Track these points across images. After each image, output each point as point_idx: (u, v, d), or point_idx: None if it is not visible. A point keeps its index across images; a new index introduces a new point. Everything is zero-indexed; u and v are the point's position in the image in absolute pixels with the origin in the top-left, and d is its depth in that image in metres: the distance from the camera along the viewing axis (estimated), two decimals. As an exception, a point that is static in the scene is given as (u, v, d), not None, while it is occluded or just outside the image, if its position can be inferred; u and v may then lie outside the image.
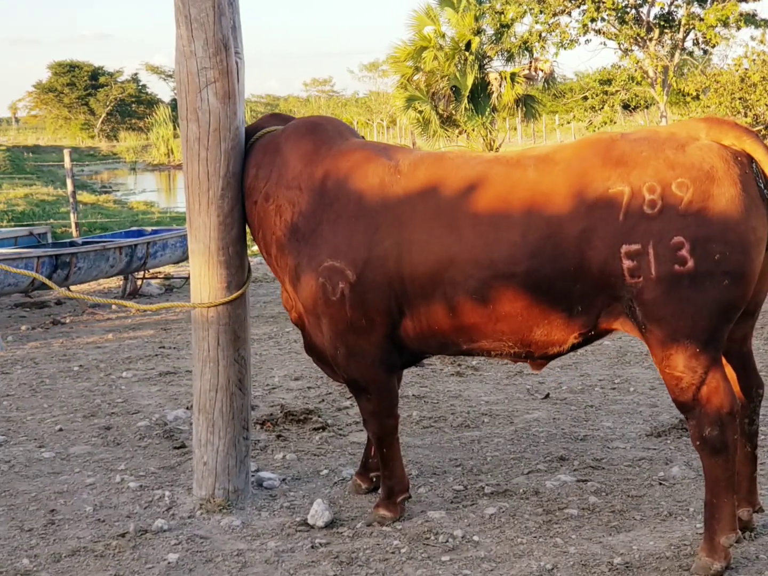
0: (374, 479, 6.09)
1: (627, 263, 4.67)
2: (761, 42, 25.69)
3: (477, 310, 5.04)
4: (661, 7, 31.78)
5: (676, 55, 32.60)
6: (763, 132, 22.09)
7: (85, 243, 14.46)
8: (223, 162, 5.78)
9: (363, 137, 6.12)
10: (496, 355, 5.28)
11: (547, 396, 8.25)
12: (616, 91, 36.01)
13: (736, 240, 4.58)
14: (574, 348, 5.18)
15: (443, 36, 35.52)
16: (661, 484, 6.11)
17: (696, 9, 31.27)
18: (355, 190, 5.40)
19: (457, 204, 5.08)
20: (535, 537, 5.36)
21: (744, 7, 29.45)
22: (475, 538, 5.36)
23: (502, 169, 5.06)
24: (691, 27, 31.17)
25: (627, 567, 4.92)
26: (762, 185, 4.66)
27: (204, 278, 5.87)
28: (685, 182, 4.60)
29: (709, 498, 4.87)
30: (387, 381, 5.59)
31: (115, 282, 15.76)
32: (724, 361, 4.95)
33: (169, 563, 5.14)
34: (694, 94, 34.20)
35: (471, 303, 5.03)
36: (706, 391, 4.74)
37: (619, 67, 34.94)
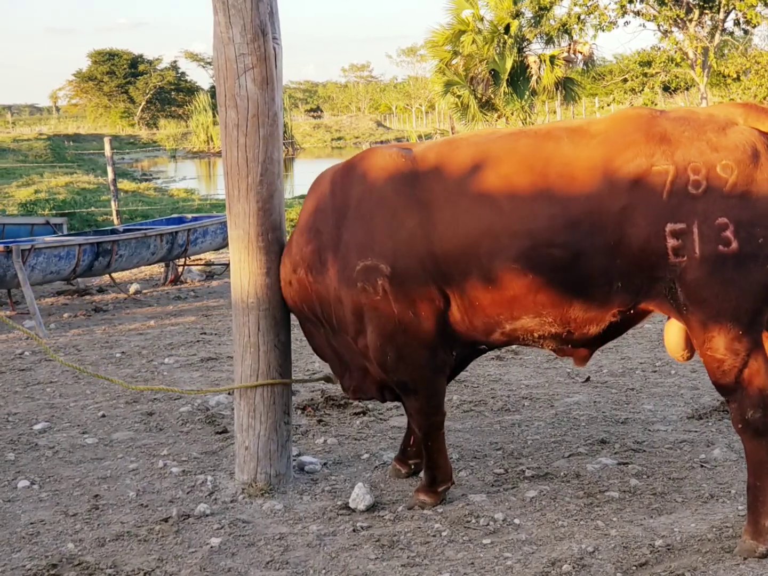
0: (413, 465, 6.10)
1: (671, 242, 4.65)
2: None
3: (515, 281, 4.98)
4: (701, -13, 31.53)
5: (717, 35, 32.31)
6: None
7: (126, 230, 14.54)
8: (262, 148, 5.80)
9: None
10: (540, 336, 5.22)
11: (588, 379, 8.24)
12: (656, 73, 35.77)
13: None
14: (610, 331, 5.14)
15: (482, 19, 35.36)
16: (702, 466, 6.09)
17: (736, -12, 30.95)
18: (363, 186, 5.40)
19: (483, 176, 5.04)
20: (576, 520, 5.36)
21: (786, -14, 29.13)
22: (516, 521, 5.37)
23: (532, 141, 5.03)
24: (731, 7, 30.86)
25: (668, 549, 4.91)
26: None
27: (244, 264, 5.90)
28: (730, 165, 4.60)
29: (753, 481, 4.85)
30: (436, 381, 5.56)
31: (157, 269, 15.85)
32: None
33: (211, 547, 5.18)
34: (735, 75, 33.90)
35: (509, 274, 4.97)
36: (748, 373, 4.73)
37: (659, 48, 34.71)
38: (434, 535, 5.24)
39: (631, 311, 4.98)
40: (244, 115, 5.76)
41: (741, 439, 4.91)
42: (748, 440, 4.83)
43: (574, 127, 5.04)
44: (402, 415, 7.34)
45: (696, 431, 6.76)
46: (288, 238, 5.97)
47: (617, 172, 4.75)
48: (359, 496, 5.63)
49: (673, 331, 5.05)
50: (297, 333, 9.88)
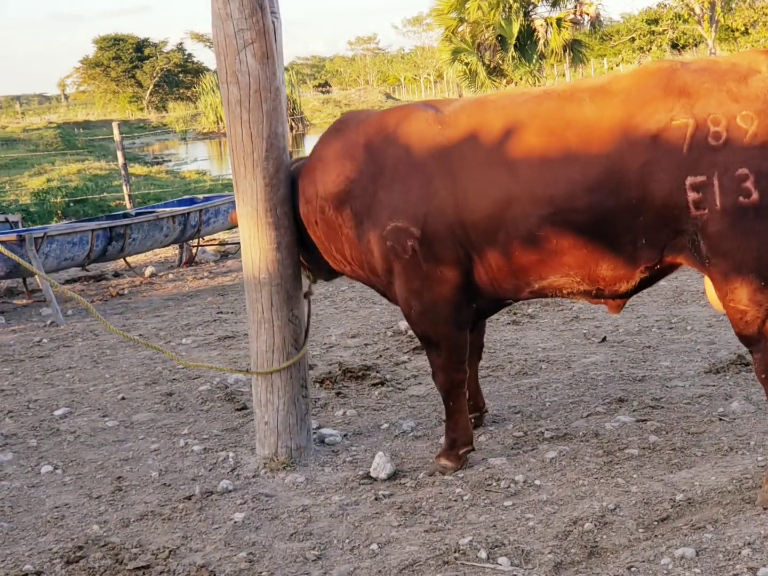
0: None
1: (692, 195, 4.64)
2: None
3: (542, 245, 5.04)
4: (705, -59, 31.30)
5: (723, -11, 32.09)
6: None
7: (138, 214, 14.56)
8: (266, 123, 5.80)
9: None
10: (569, 293, 5.29)
11: (604, 339, 8.23)
12: (664, 31, 35.66)
13: None
14: (642, 285, 5.15)
15: (486, -15, 35.20)
16: (720, 419, 6.09)
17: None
18: (400, 148, 5.42)
19: (509, 144, 5.06)
20: (596, 478, 5.37)
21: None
22: (537, 482, 5.39)
23: (555, 104, 5.02)
24: (736, -41, 30.66)
25: (689, 503, 4.92)
26: None
27: (254, 240, 5.90)
28: (750, 115, 4.56)
29: None
30: (458, 337, 5.61)
31: (172, 251, 15.89)
32: None
33: (235, 522, 5.22)
34: (743, 29, 33.74)
35: (535, 239, 5.04)
36: None
37: (665, 5, 34.56)
38: (456, 500, 5.26)
39: (658, 266, 4.99)
40: (246, 91, 5.75)
41: (764, 389, 4.89)
42: None
43: (597, 86, 5.02)
44: (420, 383, 7.38)
45: (714, 385, 6.76)
46: (304, 165, 5.94)
47: (637, 129, 4.75)
48: (380, 465, 5.65)
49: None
50: (312, 308, 9.91)
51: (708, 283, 5.05)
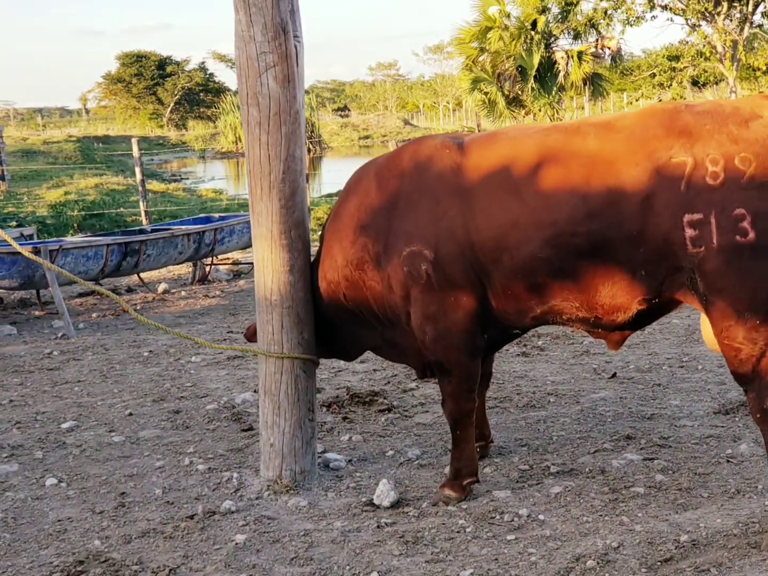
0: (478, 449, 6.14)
1: (689, 232, 4.69)
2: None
3: (543, 269, 5.11)
4: (729, -20, 31.34)
5: (746, 28, 32.11)
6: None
7: (154, 230, 14.61)
8: (284, 146, 5.82)
9: None
10: (569, 320, 5.32)
11: (614, 375, 8.20)
12: (684, 68, 35.61)
13: None
14: (640, 319, 5.19)
15: (508, 16, 35.23)
16: (728, 461, 6.06)
17: (765, -20, 30.77)
18: (411, 178, 5.54)
19: (515, 171, 5.17)
20: (600, 515, 5.34)
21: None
22: (541, 517, 5.36)
23: (561, 136, 5.14)
24: (760, -1, 30.68)
25: (694, 544, 4.89)
26: None
27: (267, 262, 5.92)
28: (748, 157, 4.63)
29: None
30: (470, 365, 5.64)
31: (185, 269, 15.91)
32: None
33: (236, 544, 5.20)
34: (765, 68, 33.68)
35: (536, 263, 5.11)
36: (766, 362, 4.73)
37: (687, 42, 34.56)
38: (458, 531, 5.24)
39: (657, 300, 5.03)
40: (266, 114, 5.78)
41: (760, 429, 4.89)
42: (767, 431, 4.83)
43: (603, 122, 5.15)
44: (426, 411, 7.36)
45: (722, 426, 6.73)
46: (321, 247, 6.04)
47: (638, 165, 4.83)
48: (384, 493, 5.63)
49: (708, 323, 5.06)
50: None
51: (704, 322, 5.10)
